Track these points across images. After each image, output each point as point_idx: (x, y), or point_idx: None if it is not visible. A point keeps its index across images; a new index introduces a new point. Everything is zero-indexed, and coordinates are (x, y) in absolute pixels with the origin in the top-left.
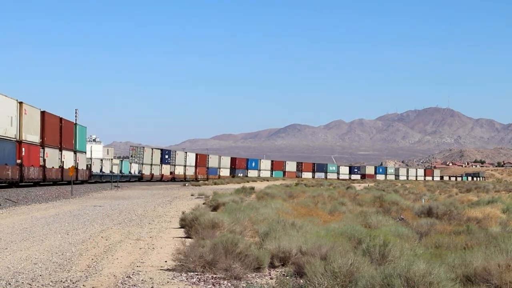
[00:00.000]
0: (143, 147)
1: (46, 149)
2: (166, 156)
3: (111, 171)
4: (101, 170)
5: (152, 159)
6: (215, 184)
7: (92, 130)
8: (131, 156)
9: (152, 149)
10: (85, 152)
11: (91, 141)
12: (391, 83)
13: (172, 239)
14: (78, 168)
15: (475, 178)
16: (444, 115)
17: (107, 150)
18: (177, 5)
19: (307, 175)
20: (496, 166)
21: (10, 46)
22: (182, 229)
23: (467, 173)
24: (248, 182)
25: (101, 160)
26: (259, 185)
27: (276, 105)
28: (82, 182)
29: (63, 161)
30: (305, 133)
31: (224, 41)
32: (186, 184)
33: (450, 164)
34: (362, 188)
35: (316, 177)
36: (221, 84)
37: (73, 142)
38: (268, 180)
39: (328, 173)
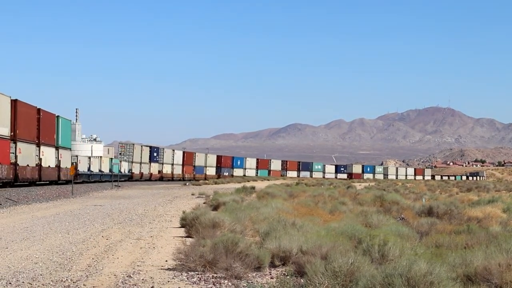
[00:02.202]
0: (133, 144)
1: (19, 144)
2: (154, 154)
3: (100, 170)
4: (89, 169)
5: (141, 157)
6: (215, 183)
7: (92, 130)
8: (120, 153)
9: (142, 146)
10: (70, 149)
11: (92, 140)
12: (391, 82)
13: (172, 239)
14: (61, 166)
15: (471, 178)
16: (444, 114)
17: (108, 149)
18: (177, 4)
19: (292, 174)
20: (497, 166)
21: (8, 43)
22: (183, 229)
23: (471, 173)
24: (248, 181)
25: (89, 158)
26: (259, 185)
27: (277, 104)
28: (67, 182)
29: (41, 158)
30: (306, 132)
31: (225, 40)
32: (187, 184)
33: (451, 163)
34: (362, 188)
35: (301, 176)
36: (221, 83)
37: (55, 136)
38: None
39: (313, 172)
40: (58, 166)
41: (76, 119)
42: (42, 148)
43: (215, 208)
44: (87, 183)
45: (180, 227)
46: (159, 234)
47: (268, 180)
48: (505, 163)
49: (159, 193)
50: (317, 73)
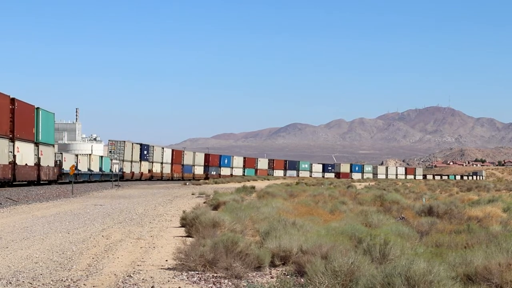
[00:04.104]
0: (124, 141)
1: None
2: (145, 152)
3: (89, 169)
4: (76, 168)
5: (132, 155)
6: (215, 183)
7: (93, 129)
8: (110, 152)
9: (132, 143)
10: (53, 145)
11: (92, 140)
12: (391, 82)
13: (172, 238)
14: (41, 164)
15: (467, 177)
16: (444, 114)
17: (108, 149)
18: (177, 3)
19: (278, 173)
20: (497, 165)
21: (8, 42)
22: (183, 228)
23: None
24: (248, 181)
25: (76, 155)
26: (259, 184)
27: (277, 104)
28: (50, 183)
29: (15, 155)
30: (306, 132)
31: (225, 40)
32: (187, 183)
33: (451, 163)
34: (362, 187)
35: (287, 175)
36: (221, 83)
37: (34, 131)
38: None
39: (300, 171)
40: (37, 165)
41: (76, 119)
42: (17, 143)
43: (215, 207)
44: (74, 183)
45: (180, 227)
46: (159, 233)
47: (268, 180)
48: (505, 162)
49: (159, 193)
50: (317, 73)
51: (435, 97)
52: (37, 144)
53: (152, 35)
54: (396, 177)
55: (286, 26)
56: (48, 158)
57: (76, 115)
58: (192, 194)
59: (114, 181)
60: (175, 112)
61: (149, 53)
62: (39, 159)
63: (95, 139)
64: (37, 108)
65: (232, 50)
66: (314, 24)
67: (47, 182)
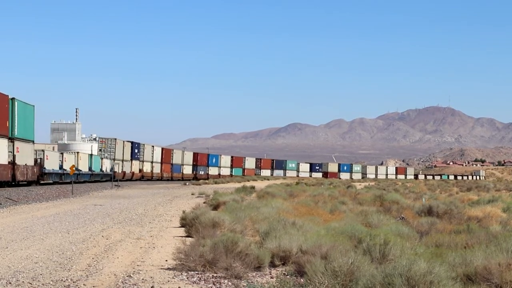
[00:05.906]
0: (115, 139)
1: None
2: (135, 150)
3: (77, 169)
4: (61, 167)
5: (123, 154)
6: (215, 183)
7: (93, 129)
8: (100, 150)
9: (124, 141)
10: (33, 142)
11: (92, 140)
12: (391, 82)
13: (172, 238)
14: (17, 163)
15: (460, 177)
16: (444, 114)
17: None
18: (177, 3)
19: (265, 172)
20: (497, 165)
21: (7, 42)
22: (183, 228)
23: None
24: (248, 181)
25: (62, 154)
26: (259, 184)
27: (277, 104)
28: (29, 184)
29: None
30: (306, 132)
31: (225, 40)
32: (187, 183)
33: (451, 163)
34: (362, 187)
35: (274, 174)
36: (222, 83)
37: (8, 124)
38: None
39: (287, 171)
40: (12, 163)
41: (76, 119)
42: None
43: (215, 207)
44: (59, 184)
45: (180, 227)
46: (159, 233)
47: (268, 180)
48: (505, 162)
49: (159, 193)
50: (317, 73)
51: (435, 97)
52: (11, 139)
53: (152, 35)
54: (386, 177)
55: (286, 26)
56: (26, 156)
57: (76, 115)
58: (192, 194)
59: (107, 181)
60: (175, 112)
61: (149, 53)
62: (14, 156)
63: (95, 139)
64: (12, 99)
65: (232, 50)
66: (314, 24)
67: (25, 183)
